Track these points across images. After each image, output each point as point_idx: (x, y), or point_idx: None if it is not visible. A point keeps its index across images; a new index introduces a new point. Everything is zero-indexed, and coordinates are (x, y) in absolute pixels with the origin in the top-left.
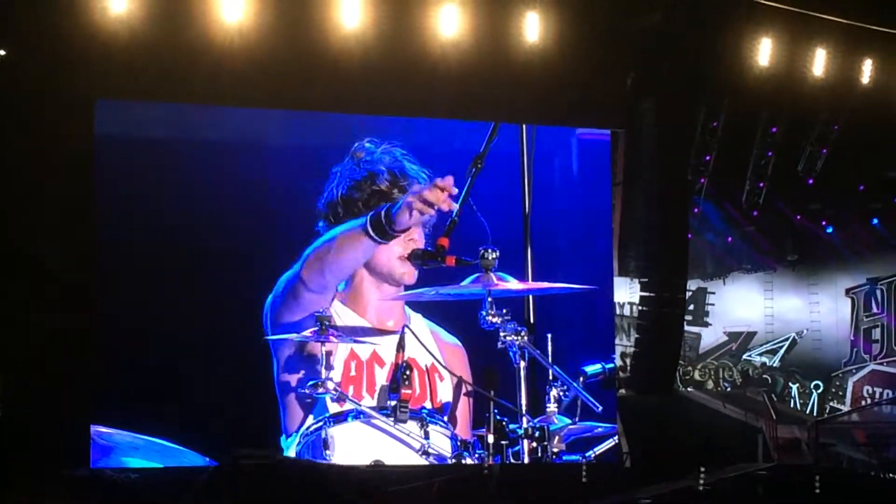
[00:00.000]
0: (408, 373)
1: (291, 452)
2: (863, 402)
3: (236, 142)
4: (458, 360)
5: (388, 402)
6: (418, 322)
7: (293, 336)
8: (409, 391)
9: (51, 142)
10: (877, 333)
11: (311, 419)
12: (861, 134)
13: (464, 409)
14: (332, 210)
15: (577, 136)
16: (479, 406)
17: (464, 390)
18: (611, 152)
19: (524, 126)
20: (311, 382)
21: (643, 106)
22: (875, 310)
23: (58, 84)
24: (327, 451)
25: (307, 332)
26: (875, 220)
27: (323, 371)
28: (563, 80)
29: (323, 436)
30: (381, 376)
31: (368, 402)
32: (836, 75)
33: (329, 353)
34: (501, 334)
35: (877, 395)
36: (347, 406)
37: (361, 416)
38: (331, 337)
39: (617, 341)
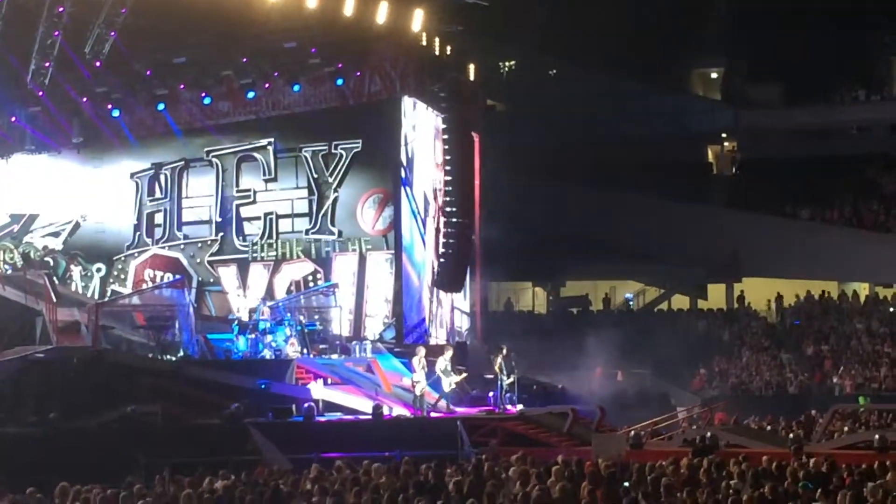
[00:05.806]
0: None
1: None
2: (144, 286)
3: None
4: None
5: None
6: None
7: None
8: None
9: None
10: (159, 218)
11: None
12: (148, 19)
13: None
14: None
15: None
16: None
17: None
18: None
19: None
20: None
21: None
22: (159, 195)
23: None
24: None
25: None
26: (161, 106)
27: None
28: None
29: None
30: None
31: None
32: None
33: None
34: None
35: (157, 279)
36: None
37: None
38: None
39: None
